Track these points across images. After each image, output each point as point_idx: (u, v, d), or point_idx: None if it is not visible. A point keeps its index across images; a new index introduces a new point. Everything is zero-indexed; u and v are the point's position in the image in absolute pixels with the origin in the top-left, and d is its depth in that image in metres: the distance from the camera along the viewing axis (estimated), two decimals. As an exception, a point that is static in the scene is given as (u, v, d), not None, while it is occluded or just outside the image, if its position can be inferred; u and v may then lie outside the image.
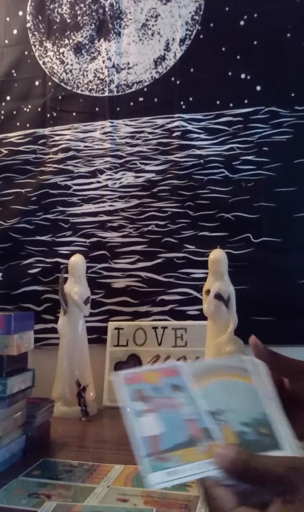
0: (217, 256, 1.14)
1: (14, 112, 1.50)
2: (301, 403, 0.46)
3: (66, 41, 1.48)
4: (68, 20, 1.48)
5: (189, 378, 0.43)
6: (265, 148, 1.32)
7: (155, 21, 1.41)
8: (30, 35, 1.50)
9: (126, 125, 1.42)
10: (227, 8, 1.36)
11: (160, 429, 0.38)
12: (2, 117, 1.51)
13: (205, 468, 0.36)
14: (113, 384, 0.41)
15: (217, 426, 0.39)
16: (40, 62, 1.49)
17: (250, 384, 0.44)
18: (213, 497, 0.34)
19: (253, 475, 0.34)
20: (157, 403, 0.40)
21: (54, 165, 1.46)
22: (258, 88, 1.33)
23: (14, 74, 1.51)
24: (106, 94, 1.44)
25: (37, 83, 1.49)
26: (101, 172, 1.42)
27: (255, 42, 1.34)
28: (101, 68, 1.45)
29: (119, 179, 1.41)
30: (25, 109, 1.50)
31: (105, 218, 1.40)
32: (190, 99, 1.38)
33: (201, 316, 1.18)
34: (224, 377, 0.44)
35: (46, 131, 1.48)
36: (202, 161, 1.35)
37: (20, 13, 1.51)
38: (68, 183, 1.44)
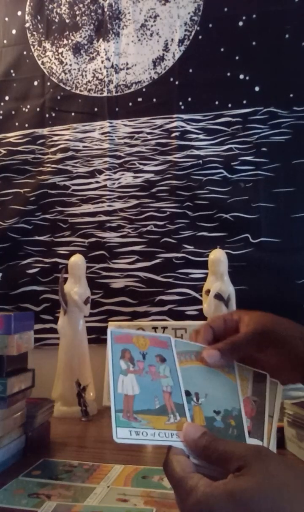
0: (217, 256, 1.14)
1: (13, 112, 1.50)
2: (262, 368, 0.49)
3: (65, 41, 1.48)
4: (67, 20, 1.48)
5: (176, 355, 0.44)
6: (264, 149, 1.32)
7: (154, 21, 1.42)
8: (29, 35, 1.50)
9: (125, 125, 1.42)
10: (226, 9, 1.36)
11: (137, 391, 0.39)
12: (0, 117, 1.51)
13: (170, 438, 0.38)
14: (108, 335, 0.42)
15: (190, 406, 0.41)
16: (39, 62, 1.49)
17: (232, 381, 0.46)
18: (173, 461, 0.36)
19: (214, 453, 0.36)
20: (141, 367, 0.41)
21: (53, 165, 1.46)
22: (257, 88, 1.34)
23: (13, 74, 1.51)
24: (105, 94, 1.44)
25: (36, 83, 1.49)
26: (100, 172, 1.42)
27: (253, 43, 1.34)
28: (100, 68, 1.45)
29: (118, 179, 1.41)
30: (23, 109, 1.50)
31: (104, 218, 1.40)
32: (189, 99, 1.38)
33: (200, 316, 1.18)
34: (209, 366, 0.46)
35: (45, 131, 1.48)
36: (200, 161, 1.36)
37: (19, 13, 1.51)
38: (67, 183, 1.44)
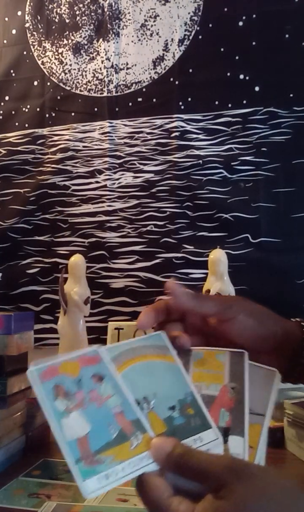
0: (217, 256, 1.14)
1: (13, 112, 1.50)
2: (226, 341, 0.46)
3: (65, 41, 1.48)
4: (67, 20, 1.48)
5: (111, 364, 0.40)
6: (264, 149, 1.32)
7: (154, 21, 1.42)
8: (29, 35, 1.50)
9: (125, 125, 1.42)
10: (225, 9, 1.36)
11: (88, 428, 0.35)
12: (1, 117, 1.51)
13: (141, 464, 0.35)
14: (31, 378, 0.37)
15: (145, 415, 0.38)
16: (39, 62, 1.49)
17: (173, 363, 0.42)
18: (149, 486, 0.34)
19: (189, 470, 0.34)
20: (81, 398, 0.37)
21: (53, 165, 1.46)
22: (257, 88, 1.34)
23: (13, 74, 1.51)
24: (105, 94, 1.44)
25: (35, 83, 1.49)
26: (100, 172, 1.42)
27: (253, 43, 1.34)
28: (100, 68, 1.45)
29: (118, 179, 1.41)
30: (23, 109, 1.50)
31: (103, 218, 1.40)
32: (189, 99, 1.38)
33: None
34: (144, 359, 0.42)
35: (45, 131, 1.48)
36: (200, 161, 1.36)
37: (19, 13, 1.51)
38: (67, 183, 1.44)
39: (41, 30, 1.50)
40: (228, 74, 1.36)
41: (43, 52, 1.49)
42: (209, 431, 0.38)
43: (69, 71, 1.47)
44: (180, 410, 0.39)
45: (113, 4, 1.44)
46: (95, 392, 0.38)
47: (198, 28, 1.38)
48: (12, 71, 1.51)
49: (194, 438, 0.37)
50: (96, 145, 1.44)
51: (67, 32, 1.48)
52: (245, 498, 0.31)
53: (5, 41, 1.52)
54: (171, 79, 1.40)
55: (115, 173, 1.41)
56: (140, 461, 0.35)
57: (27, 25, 1.51)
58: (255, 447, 0.38)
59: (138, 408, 0.38)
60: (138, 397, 0.39)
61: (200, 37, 1.38)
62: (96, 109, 1.45)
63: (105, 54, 1.44)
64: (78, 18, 1.47)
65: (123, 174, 1.41)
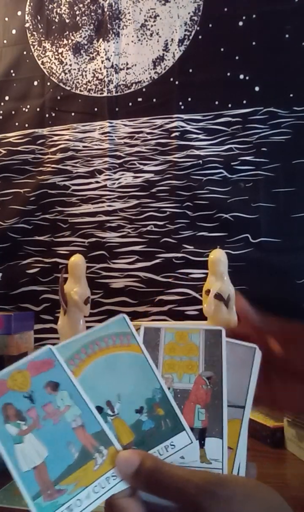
0: (217, 256, 1.13)
1: (13, 112, 1.50)
2: (291, 373, 0.43)
3: (65, 41, 1.48)
4: (67, 20, 1.48)
5: (66, 367, 0.36)
6: (264, 149, 1.32)
7: (154, 21, 1.42)
8: (29, 35, 1.50)
9: (125, 125, 1.42)
10: (225, 9, 1.36)
11: (45, 452, 0.31)
12: (1, 117, 1.51)
13: (108, 485, 0.31)
14: None
15: (109, 424, 0.33)
16: (39, 62, 1.49)
17: (138, 353, 0.37)
18: (119, 510, 0.31)
19: (160, 489, 0.31)
20: (35, 416, 0.32)
21: (53, 165, 1.46)
22: (257, 88, 1.34)
23: (13, 74, 1.51)
24: (105, 94, 1.44)
25: (35, 83, 1.49)
26: (100, 172, 1.42)
27: (253, 43, 1.34)
28: (100, 68, 1.45)
29: (118, 179, 1.41)
30: (23, 109, 1.50)
31: (103, 218, 1.40)
32: (189, 99, 1.38)
33: (200, 316, 1.18)
34: (105, 352, 0.37)
35: (45, 131, 1.48)
36: (200, 161, 1.35)
37: (19, 13, 1.51)
38: (67, 183, 1.44)
39: (41, 30, 1.50)
40: (228, 74, 1.36)
41: (43, 52, 1.49)
42: (182, 434, 0.34)
43: (69, 71, 1.47)
44: (148, 412, 0.34)
45: (113, 4, 1.44)
46: (50, 406, 0.33)
47: (198, 28, 1.38)
48: (12, 71, 1.51)
49: (165, 445, 0.34)
50: (96, 145, 1.44)
51: (67, 32, 1.48)
52: None
53: (5, 41, 1.52)
54: (171, 79, 1.40)
55: (115, 173, 1.41)
56: (107, 482, 0.31)
57: (27, 25, 1.51)
58: (234, 447, 0.35)
59: (100, 417, 0.34)
60: (100, 403, 0.34)
61: (200, 37, 1.38)
62: (96, 109, 1.45)
63: (105, 54, 1.44)
64: (78, 18, 1.47)
65: (123, 174, 1.41)
